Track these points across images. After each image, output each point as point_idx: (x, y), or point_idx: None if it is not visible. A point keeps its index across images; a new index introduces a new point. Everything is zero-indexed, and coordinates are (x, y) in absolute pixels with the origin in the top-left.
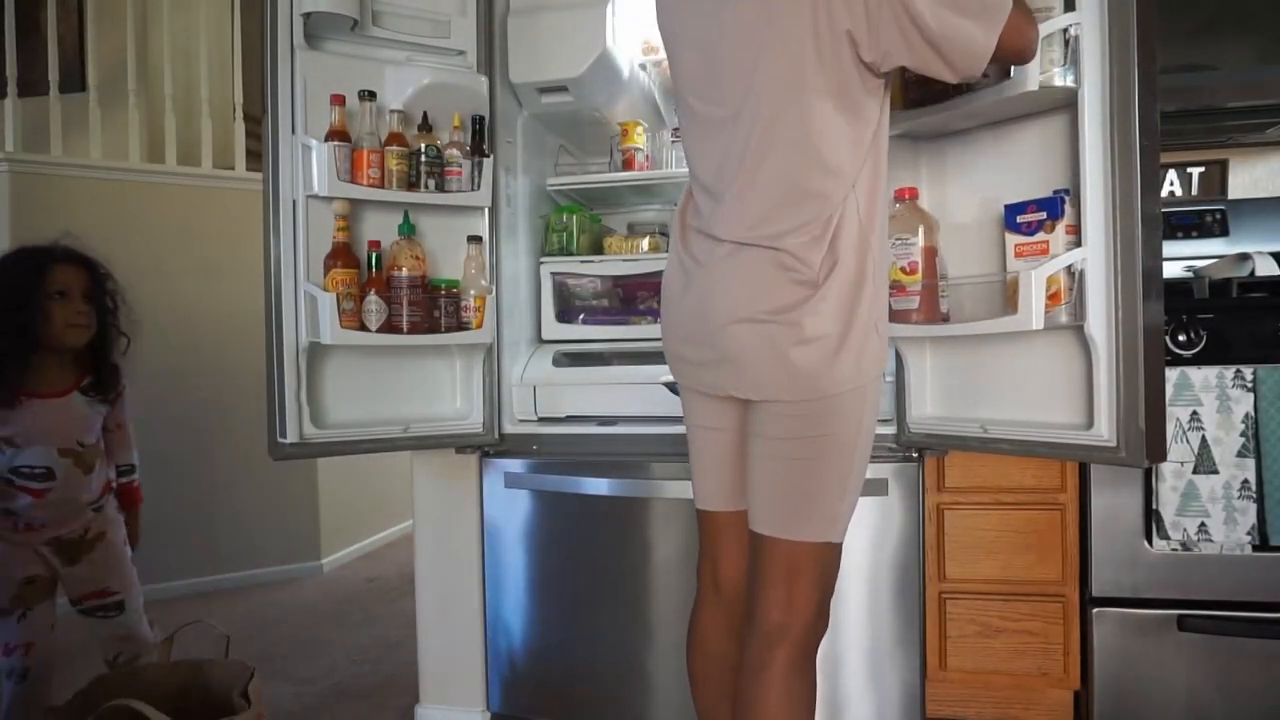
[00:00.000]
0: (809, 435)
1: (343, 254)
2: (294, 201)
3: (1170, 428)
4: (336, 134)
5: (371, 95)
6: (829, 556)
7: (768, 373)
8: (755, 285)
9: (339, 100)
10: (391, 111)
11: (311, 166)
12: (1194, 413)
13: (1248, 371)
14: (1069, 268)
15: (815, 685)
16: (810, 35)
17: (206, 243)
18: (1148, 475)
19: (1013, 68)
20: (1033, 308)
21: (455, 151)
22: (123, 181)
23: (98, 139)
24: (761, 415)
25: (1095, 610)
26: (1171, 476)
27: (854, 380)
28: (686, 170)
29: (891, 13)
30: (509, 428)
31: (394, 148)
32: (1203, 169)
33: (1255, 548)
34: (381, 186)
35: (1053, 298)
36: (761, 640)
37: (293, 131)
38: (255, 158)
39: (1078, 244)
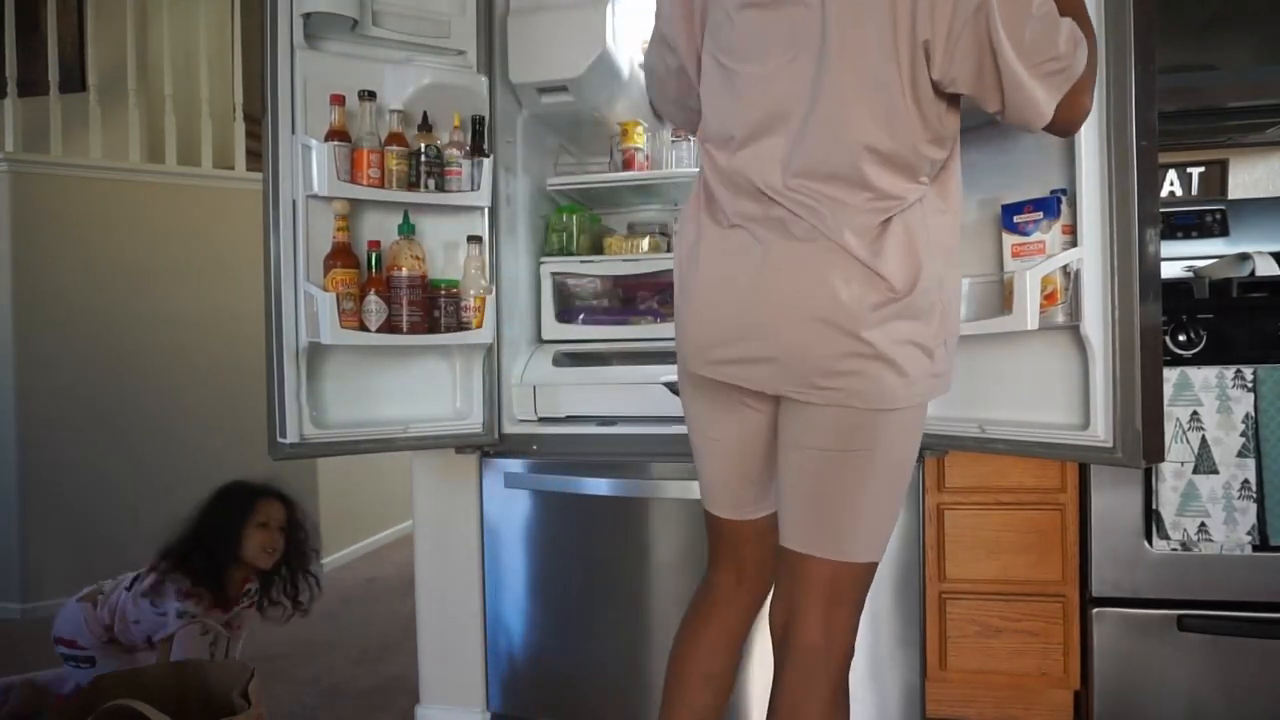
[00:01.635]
0: (863, 448)
1: (343, 254)
2: (294, 201)
3: (1170, 428)
4: (336, 134)
5: (371, 95)
6: (870, 578)
7: (842, 378)
8: (838, 282)
9: (339, 100)
10: (391, 111)
11: (311, 166)
12: (1194, 413)
13: (1248, 371)
14: (1065, 268)
15: (849, 715)
16: (890, 30)
17: (206, 243)
18: (1148, 475)
19: None
20: (1027, 308)
21: (455, 151)
22: (123, 181)
23: (98, 139)
24: (806, 424)
25: (1095, 610)
26: (1171, 476)
27: (921, 395)
28: (686, 170)
29: (974, 44)
30: (509, 428)
31: (394, 148)
32: (1203, 169)
33: (1255, 548)
34: (381, 186)
35: (1049, 298)
36: (801, 670)
37: (293, 131)
38: (255, 158)
39: (1074, 244)
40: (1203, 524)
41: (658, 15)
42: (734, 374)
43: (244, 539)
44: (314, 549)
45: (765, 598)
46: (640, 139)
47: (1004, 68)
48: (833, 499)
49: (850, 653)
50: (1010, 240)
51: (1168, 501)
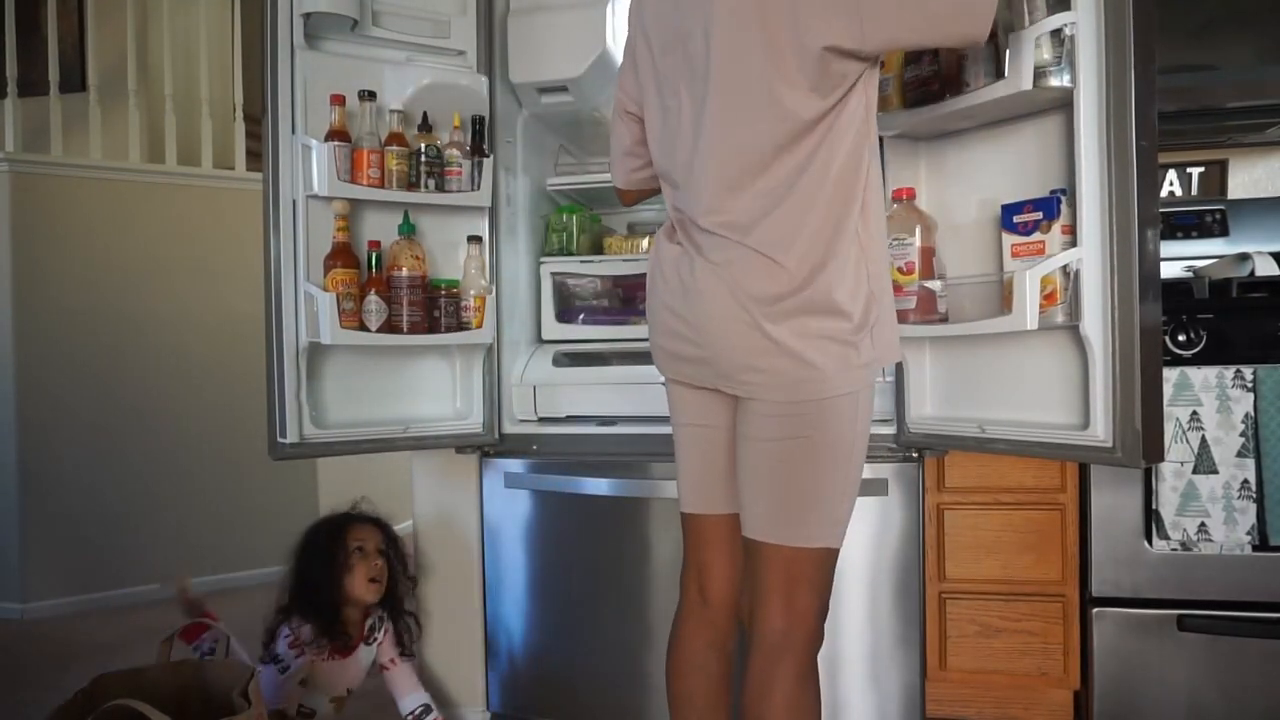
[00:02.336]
0: (802, 435)
1: (343, 254)
2: (294, 201)
3: (1170, 428)
4: (336, 134)
5: (371, 95)
6: (830, 562)
7: (758, 373)
8: (746, 283)
9: (339, 100)
10: (391, 111)
11: (311, 166)
12: (1194, 413)
13: (1248, 371)
14: (1065, 268)
15: (820, 695)
16: (761, 39)
17: (206, 243)
18: (1148, 475)
19: (1008, 67)
20: (1027, 308)
21: (455, 151)
22: (123, 181)
23: (98, 139)
24: (751, 416)
25: (1095, 610)
26: (1171, 476)
27: (847, 386)
28: None
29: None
30: (509, 428)
31: (394, 148)
32: (1203, 169)
33: (1255, 548)
34: (381, 186)
35: (1048, 298)
36: (765, 654)
37: (293, 131)
38: (255, 158)
39: (1074, 244)
40: (1202, 524)
41: (620, 89)
42: (686, 373)
43: (345, 575)
44: (410, 577)
45: (731, 624)
46: None
47: None
48: (780, 487)
49: (817, 636)
50: (1010, 240)
51: (1167, 501)
